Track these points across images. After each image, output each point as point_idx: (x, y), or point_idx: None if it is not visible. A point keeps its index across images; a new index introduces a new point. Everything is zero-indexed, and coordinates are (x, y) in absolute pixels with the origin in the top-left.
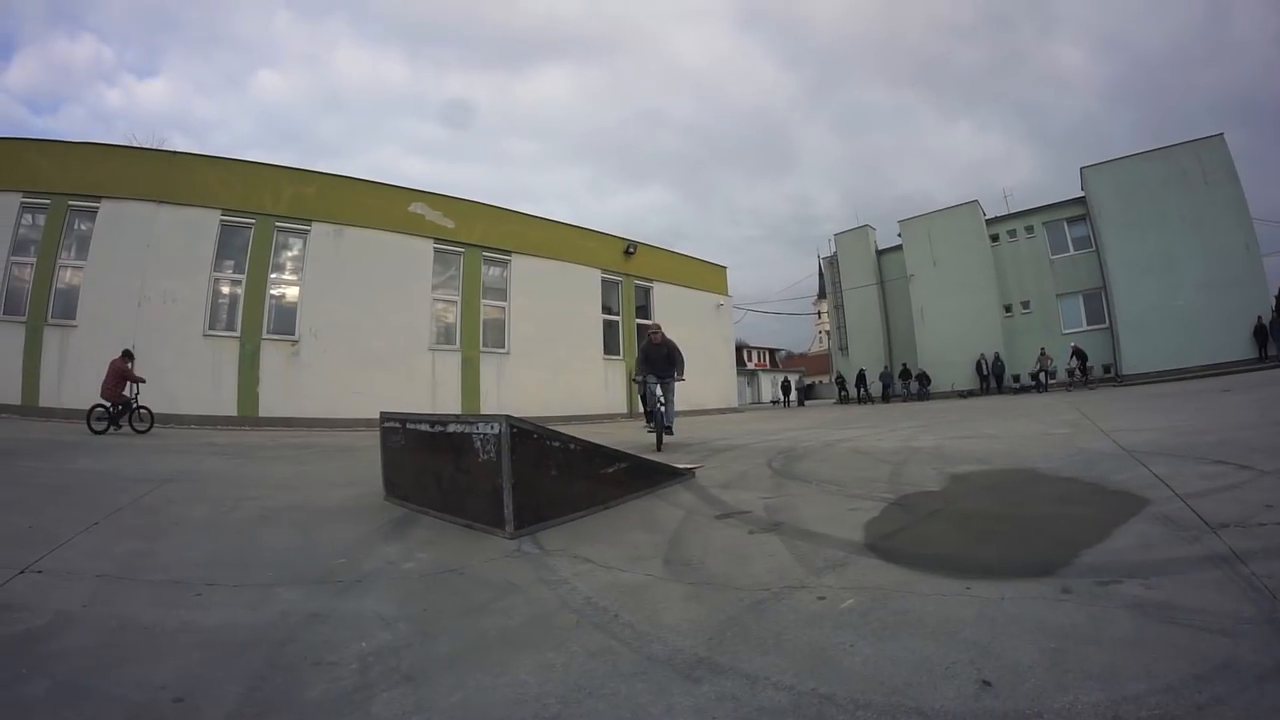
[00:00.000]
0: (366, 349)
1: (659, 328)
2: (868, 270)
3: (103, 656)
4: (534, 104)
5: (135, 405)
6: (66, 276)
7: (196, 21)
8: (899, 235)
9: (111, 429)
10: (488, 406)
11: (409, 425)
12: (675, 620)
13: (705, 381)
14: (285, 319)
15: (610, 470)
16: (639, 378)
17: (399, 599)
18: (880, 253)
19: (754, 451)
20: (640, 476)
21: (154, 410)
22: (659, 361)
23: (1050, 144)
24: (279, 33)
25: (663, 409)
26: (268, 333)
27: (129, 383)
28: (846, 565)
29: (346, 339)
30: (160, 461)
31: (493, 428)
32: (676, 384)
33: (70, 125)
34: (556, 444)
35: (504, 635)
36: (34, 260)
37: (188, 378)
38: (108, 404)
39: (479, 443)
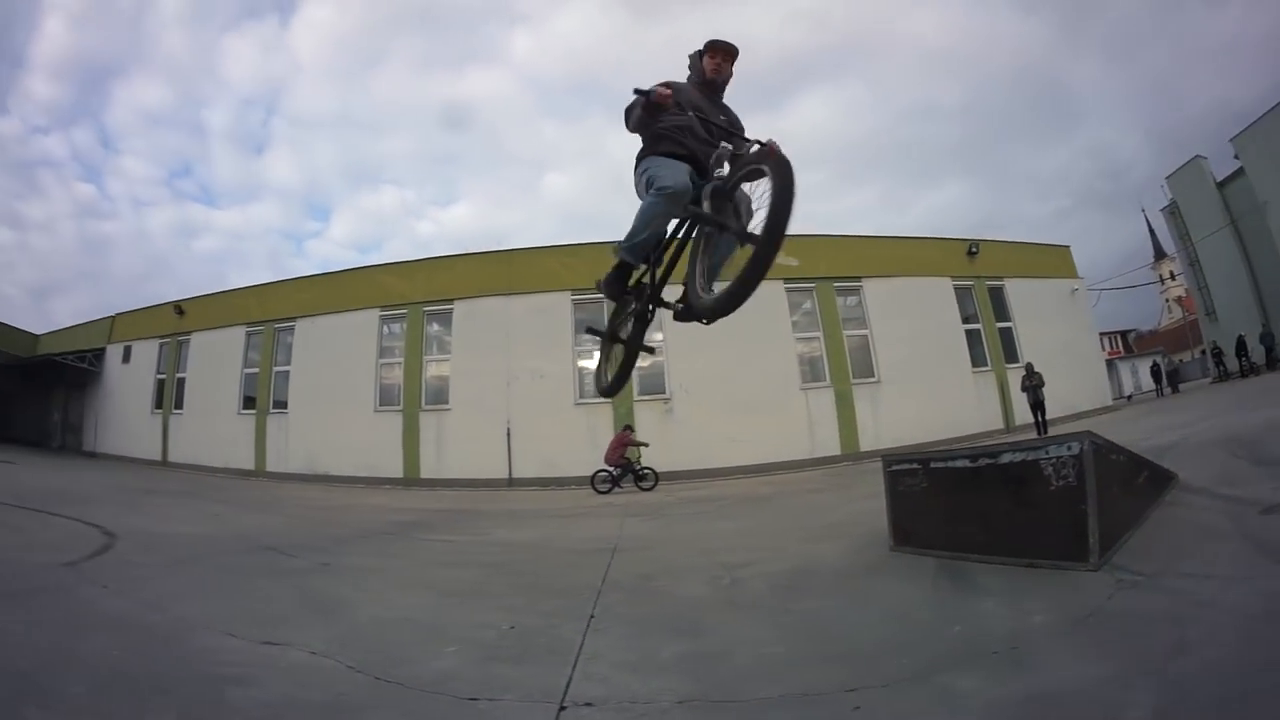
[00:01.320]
0: (737, 397)
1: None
2: (1214, 211)
3: None
4: (806, 136)
5: (638, 467)
6: (432, 369)
7: (476, 153)
8: (1235, 157)
9: (614, 490)
10: (866, 439)
11: (933, 464)
12: None
13: (1075, 380)
14: (653, 379)
15: (1139, 480)
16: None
17: (1087, 664)
18: (1220, 185)
19: (1197, 446)
20: (1154, 483)
21: (537, 475)
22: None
23: None
24: (550, 141)
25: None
26: (639, 394)
27: (627, 448)
28: None
29: (717, 390)
30: (579, 527)
31: (1069, 449)
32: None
33: (394, 257)
34: (1120, 458)
35: None
36: (401, 360)
37: (565, 444)
38: (611, 468)
39: (1050, 469)
